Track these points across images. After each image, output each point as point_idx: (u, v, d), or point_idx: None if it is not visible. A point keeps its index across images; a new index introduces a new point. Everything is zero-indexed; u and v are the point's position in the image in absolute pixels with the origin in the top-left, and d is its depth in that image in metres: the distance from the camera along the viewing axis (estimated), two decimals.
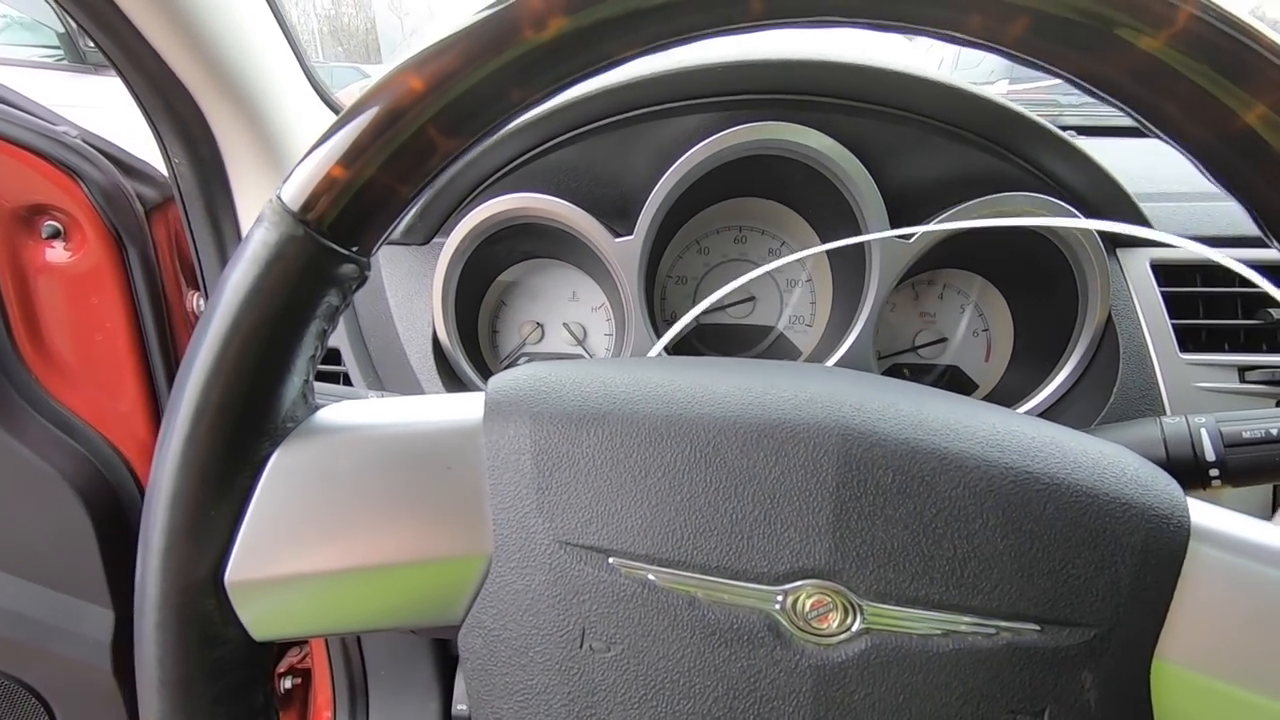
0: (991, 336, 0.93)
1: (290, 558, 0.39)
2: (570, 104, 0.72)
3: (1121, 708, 0.36)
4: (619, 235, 0.75)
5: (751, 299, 0.95)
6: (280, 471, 0.39)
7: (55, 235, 0.91)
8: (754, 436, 0.39)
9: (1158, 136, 0.35)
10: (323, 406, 0.43)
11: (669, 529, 0.38)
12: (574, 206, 0.74)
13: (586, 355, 0.97)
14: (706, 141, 0.69)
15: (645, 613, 0.38)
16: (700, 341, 0.97)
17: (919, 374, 0.95)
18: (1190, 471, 0.56)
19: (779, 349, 0.96)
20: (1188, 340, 0.75)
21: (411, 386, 0.85)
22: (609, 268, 0.77)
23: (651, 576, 0.38)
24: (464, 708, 1.08)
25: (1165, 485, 0.41)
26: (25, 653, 0.97)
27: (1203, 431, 0.55)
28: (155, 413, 1.00)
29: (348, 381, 0.88)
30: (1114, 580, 0.38)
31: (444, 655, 1.03)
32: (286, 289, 0.38)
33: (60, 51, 2.68)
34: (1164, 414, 0.73)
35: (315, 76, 1.00)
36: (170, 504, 0.37)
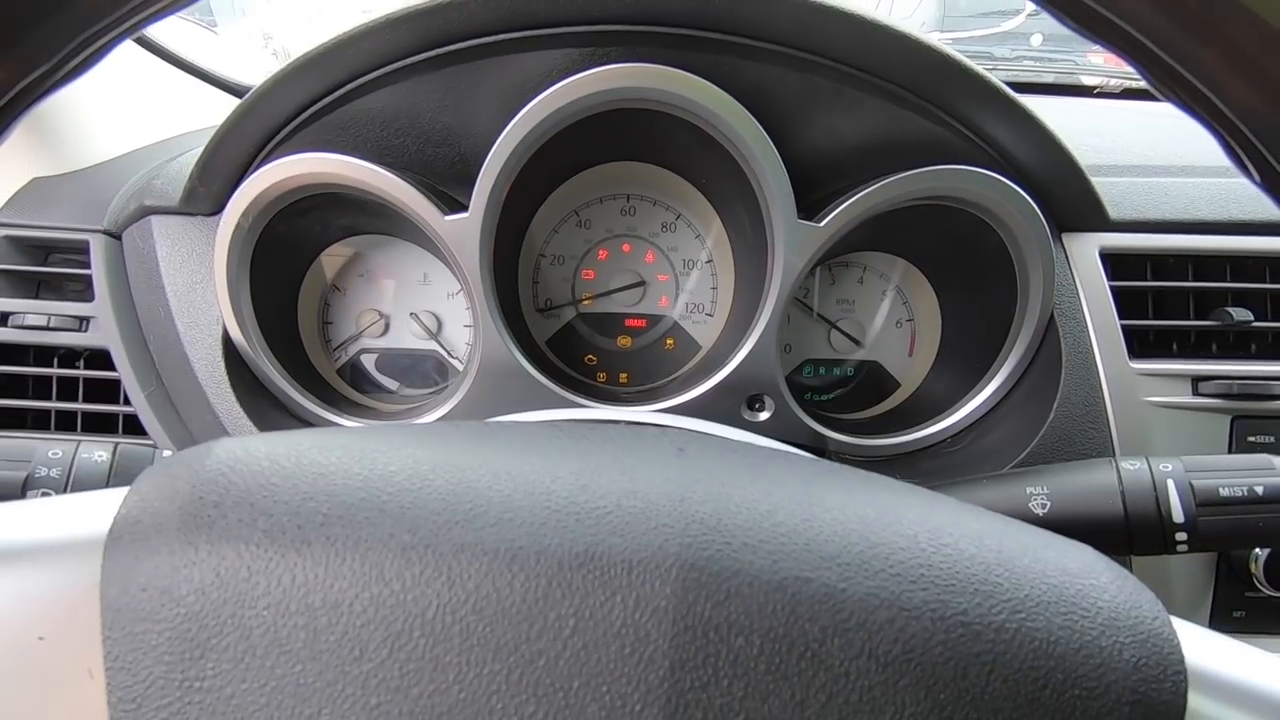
0: (916, 328, 0.80)
1: None
2: (377, 29, 0.52)
3: None
4: (450, 211, 0.57)
5: (641, 284, 0.79)
6: None
7: None
8: (537, 577, 0.24)
9: (1173, 100, 0.22)
10: None
11: None
12: (382, 171, 0.55)
13: (442, 350, 0.79)
14: (552, 90, 0.52)
15: None
16: (582, 337, 0.80)
17: (832, 369, 0.82)
18: (1152, 533, 0.44)
19: (675, 342, 0.81)
20: (1135, 342, 0.64)
21: (198, 399, 0.66)
22: (444, 252, 0.59)
23: None
24: None
25: (1152, 617, 0.28)
26: None
27: (1170, 486, 0.44)
28: None
29: (114, 394, 0.68)
30: None
31: None
32: None
33: None
34: (1110, 430, 0.62)
35: None
36: None
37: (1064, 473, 0.48)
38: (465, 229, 0.57)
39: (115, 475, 0.44)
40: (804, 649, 0.24)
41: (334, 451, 0.28)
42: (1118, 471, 0.46)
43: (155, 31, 0.96)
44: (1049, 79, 1.35)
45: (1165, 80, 0.22)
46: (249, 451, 0.28)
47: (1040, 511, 0.47)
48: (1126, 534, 0.45)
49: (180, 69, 0.99)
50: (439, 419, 0.67)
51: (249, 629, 0.24)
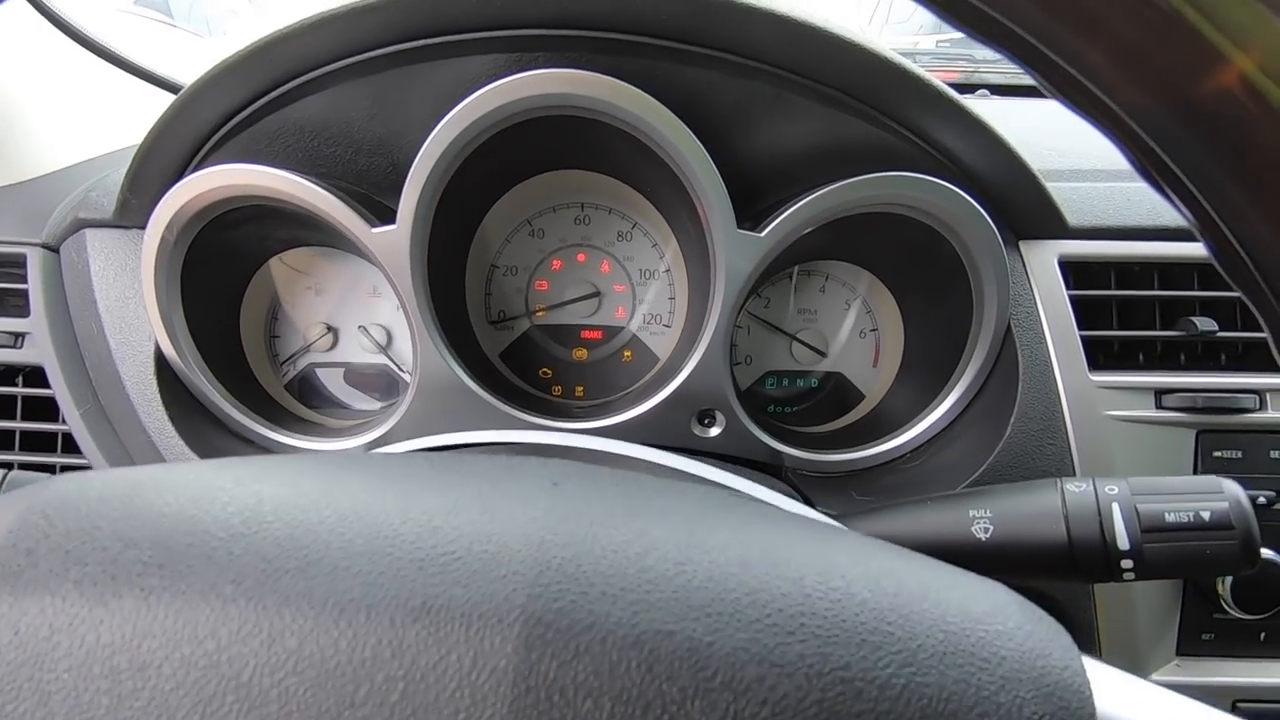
0: (881, 338, 0.78)
1: None
2: (296, 34, 0.50)
3: None
4: (383, 222, 0.55)
5: (596, 294, 0.76)
6: None
7: None
8: (366, 634, 0.22)
9: (1067, 103, 0.20)
10: None
11: None
12: (305, 182, 0.53)
13: (392, 365, 0.77)
14: (472, 98, 0.50)
15: None
16: (538, 349, 0.78)
17: (795, 380, 0.80)
18: (1097, 559, 0.42)
19: (634, 354, 0.79)
20: (1098, 353, 0.61)
21: (132, 417, 0.64)
22: (376, 265, 0.57)
23: None
24: None
25: (1061, 667, 0.26)
26: None
27: (1115, 510, 0.41)
28: None
29: (55, 412, 0.66)
30: None
31: None
32: None
33: None
34: (1069, 446, 0.60)
35: None
36: None
37: (1009, 494, 0.46)
38: (394, 241, 0.55)
39: None
40: (660, 712, 0.22)
41: (172, 491, 0.26)
42: (1062, 494, 0.44)
43: (119, 40, 0.94)
44: (1030, 80, 1.32)
45: (1056, 82, 0.20)
46: (82, 490, 0.26)
47: (983, 536, 0.45)
48: (1071, 560, 0.42)
49: (144, 80, 0.97)
50: (380, 436, 0.65)
51: (48, 694, 0.22)
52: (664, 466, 0.45)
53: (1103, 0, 0.17)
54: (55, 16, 0.73)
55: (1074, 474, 0.59)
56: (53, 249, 0.69)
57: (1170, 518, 0.40)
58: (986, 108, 0.57)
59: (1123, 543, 0.41)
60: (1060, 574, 0.43)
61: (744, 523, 0.28)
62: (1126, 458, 0.59)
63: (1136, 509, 0.41)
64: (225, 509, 0.25)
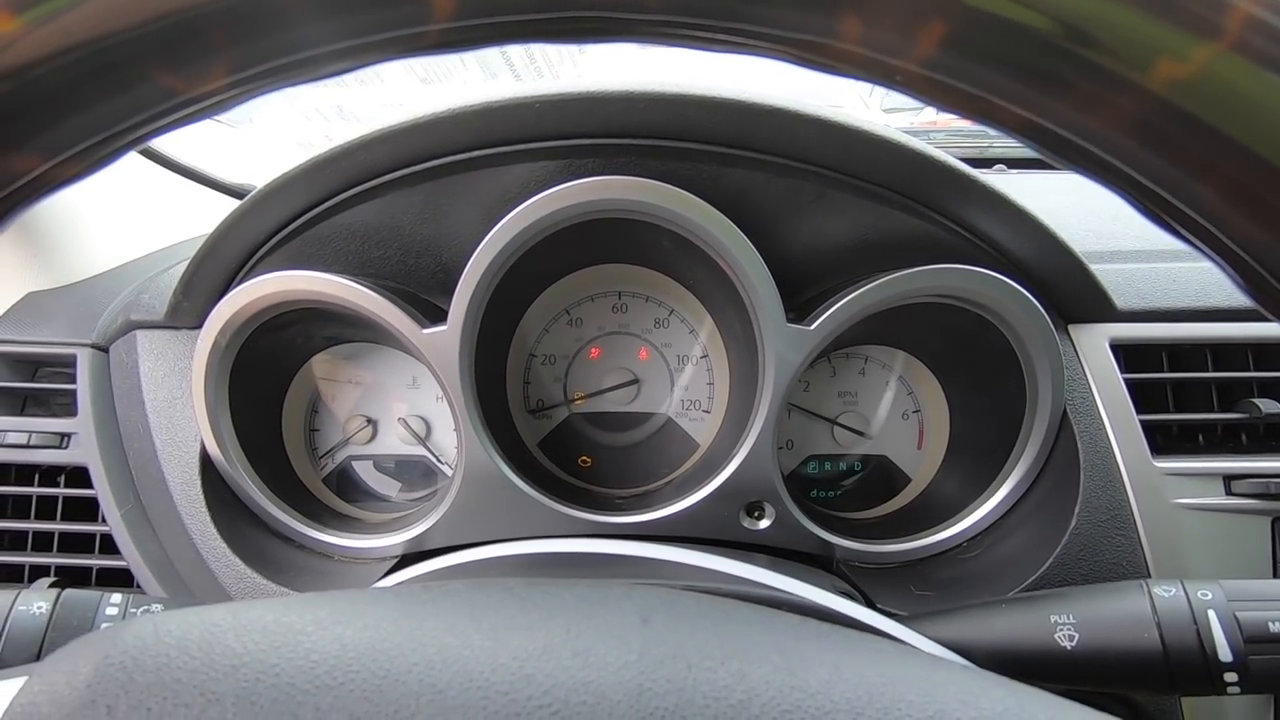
0: (924, 420, 0.77)
1: None
2: (353, 150, 0.52)
3: None
4: (429, 324, 0.55)
5: (634, 382, 0.76)
6: None
7: None
8: None
9: (1177, 233, 0.20)
10: None
11: None
12: (359, 287, 0.54)
13: (431, 456, 0.77)
14: (527, 204, 0.51)
15: None
16: (577, 436, 0.78)
17: (838, 463, 0.78)
18: (1196, 671, 0.39)
19: (671, 440, 0.78)
20: (1158, 438, 0.60)
21: (174, 517, 0.64)
22: (424, 362, 0.58)
23: None
24: None
25: None
26: None
27: (1212, 617, 0.39)
28: None
29: (95, 512, 0.65)
30: None
31: None
32: None
33: None
34: (1139, 536, 0.57)
35: None
36: None
37: (1091, 598, 0.44)
38: (444, 342, 0.55)
39: (53, 628, 0.41)
40: None
41: (252, 635, 0.25)
42: (1150, 598, 0.41)
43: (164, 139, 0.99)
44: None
45: (1160, 212, 0.20)
46: (159, 637, 0.25)
47: (1068, 644, 0.42)
48: (1167, 671, 0.40)
49: (182, 175, 1.01)
50: (421, 534, 0.64)
51: None
52: (727, 574, 0.44)
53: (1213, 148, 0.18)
54: None
55: (1146, 567, 0.56)
56: (102, 349, 0.71)
57: (1275, 627, 0.37)
58: (1009, 184, 0.57)
59: (1224, 654, 0.38)
60: (1155, 686, 0.41)
61: (841, 660, 0.27)
62: (1200, 549, 0.56)
63: (1236, 617, 0.39)
64: (309, 657, 0.24)
